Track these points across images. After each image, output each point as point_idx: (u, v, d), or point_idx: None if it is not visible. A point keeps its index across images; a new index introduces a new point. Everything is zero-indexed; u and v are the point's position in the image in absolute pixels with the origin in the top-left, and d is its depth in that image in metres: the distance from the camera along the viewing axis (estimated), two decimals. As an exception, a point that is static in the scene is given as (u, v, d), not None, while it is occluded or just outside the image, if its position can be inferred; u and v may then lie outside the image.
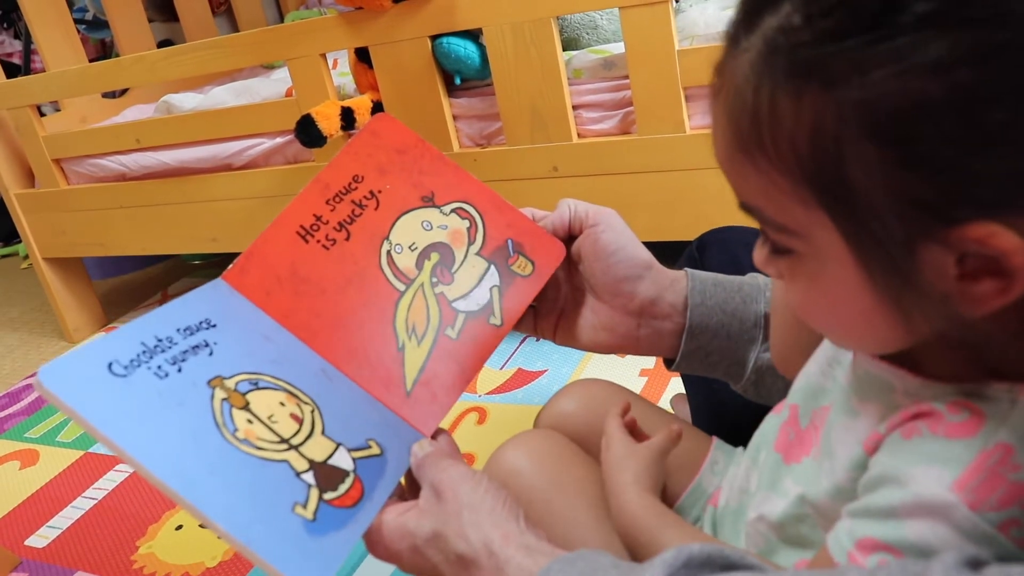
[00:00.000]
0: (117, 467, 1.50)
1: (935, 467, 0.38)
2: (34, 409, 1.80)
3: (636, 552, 0.58)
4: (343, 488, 0.53)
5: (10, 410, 1.82)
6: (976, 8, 0.32)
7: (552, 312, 0.70)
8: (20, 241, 2.89)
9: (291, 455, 0.53)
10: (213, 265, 2.40)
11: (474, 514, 0.52)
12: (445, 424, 0.62)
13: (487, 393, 1.47)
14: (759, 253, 0.44)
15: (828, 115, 0.35)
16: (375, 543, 0.55)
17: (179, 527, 1.30)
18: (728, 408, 0.76)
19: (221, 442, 0.51)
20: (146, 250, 1.94)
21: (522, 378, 1.50)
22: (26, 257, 2.86)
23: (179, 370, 0.53)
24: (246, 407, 0.54)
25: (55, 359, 0.49)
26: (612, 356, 1.48)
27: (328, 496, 0.52)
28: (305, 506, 0.51)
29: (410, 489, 0.59)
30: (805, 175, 0.36)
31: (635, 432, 0.68)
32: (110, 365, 0.51)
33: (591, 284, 0.67)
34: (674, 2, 1.23)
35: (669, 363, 0.69)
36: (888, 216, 0.35)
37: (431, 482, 0.55)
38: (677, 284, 0.66)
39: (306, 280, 0.64)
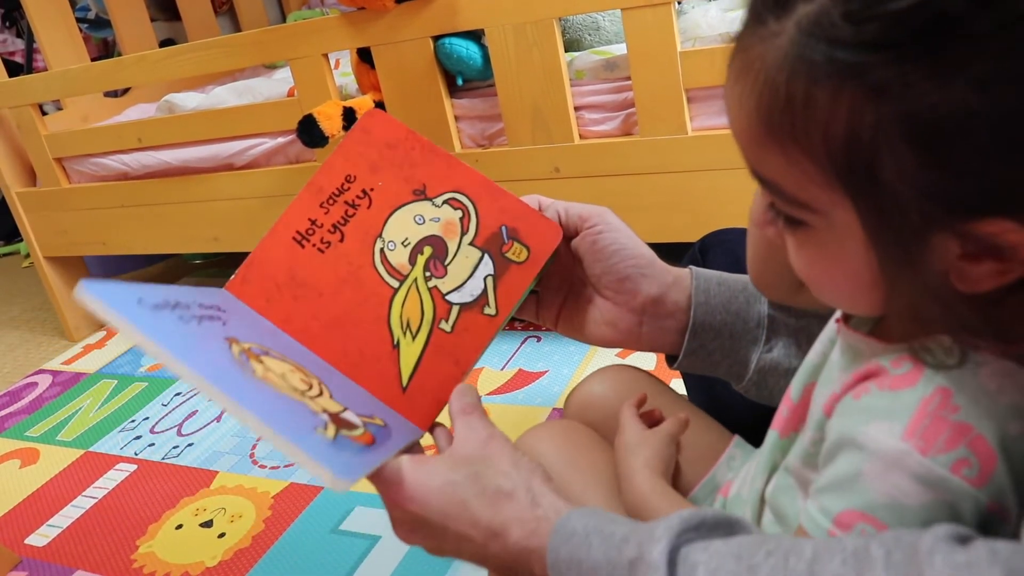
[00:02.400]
0: (117, 466, 1.50)
1: (885, 421, 0.41)
2: (35, 408, 1.80)
3: None
4: (356, 433, 0.55)
5: (11, 408, 1.82)
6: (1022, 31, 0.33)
7: (555, 300, 0.69)
8: (21, 240, 2.89)
9: (306, 400, 0.55)
10: (214, 264, 2.40)
11: (517, 461, 0.55)
12: (443, 423, 0.62)
13: (488, 394, 1.47)
14: (761, 213, 0.45)
15: (866, 117, 0.36)
16: (396, 484, 0.53)
17: (179, 526, 1.30)
18: (730, 412, 0.76)
19: (244, 376, 0.53)
20: (147, 249, 1.95)
21: (523, 379, 1.50)
22: (27, 256, 2.86)
23: (199, 323, 0.56)
24: (260, 362, 0.56)
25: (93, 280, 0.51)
26: (615, 358, 1.48)
27: (344, 432, 0.54)
28: (326, 429, 0.53)
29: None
30: (834, 165, 0.38)
31: (656, 423, 0.69)
32: (140, 300, 0.53)
33: (593, 283, 0.67)
34: (676, 4, 1.23)
35: (671, 360, 0.69)
36: (910, 208, 0.37)
37: (479, 432, 0.56)
38: (681, 282, 0.66)
39: (303, 284, 0.65)
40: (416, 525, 0.54)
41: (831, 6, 0.36)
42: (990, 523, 0.39)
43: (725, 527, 0.45)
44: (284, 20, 2.55)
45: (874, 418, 0.41)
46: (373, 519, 1.21)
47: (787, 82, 0.37)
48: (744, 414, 0.72)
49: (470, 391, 0.60)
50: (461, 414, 0.58)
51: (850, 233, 0.39)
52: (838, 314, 0.51)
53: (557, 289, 0.69)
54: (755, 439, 0.70)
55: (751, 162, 0.42)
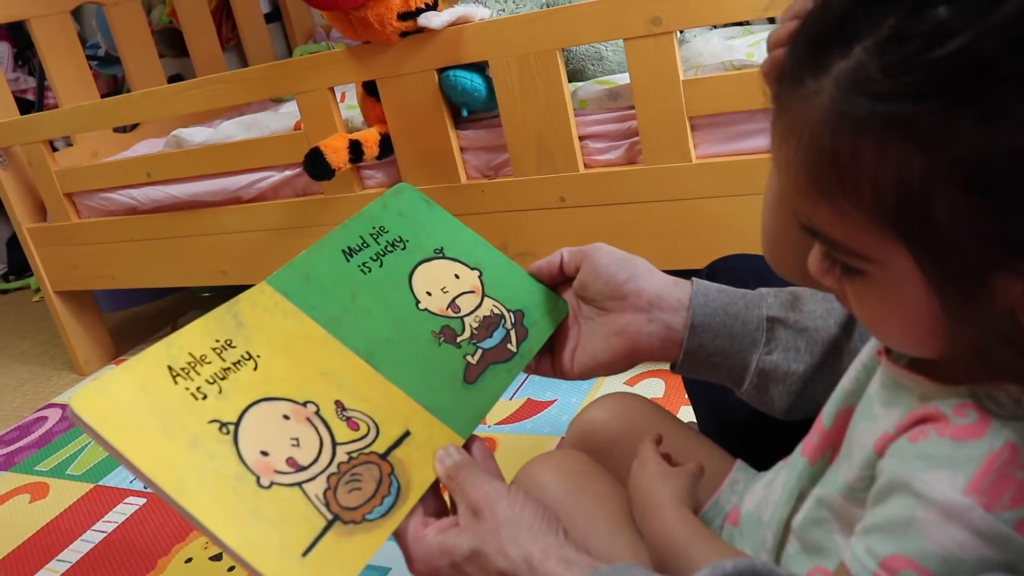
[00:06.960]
0: (127, 500, 1.50)
1: (946, 471, 0.40)
2: (44, 442, 1.80)
3: (669, 564, 0.59)
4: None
5: (21, 443, 1.82)
6: None
7: (567, 347, 0.72)
8: (32, 274, 2.91)
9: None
10: (222, 298, 2.39)
11: (513, 530, 0.53)
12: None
13: (496, 424, 1.46)
14: (817, 265, 0.45)
15: (915, 167, 0.36)
16: (415, 559, 0.56)
17: (189, 560, 1.29)
18: (734, 434, 0.77)
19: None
20: (156, 283, 1.96)
21: (531, 408, 1.49)
22: (38, 290, 2.88)
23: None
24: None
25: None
26: (623, 385, 1.48)
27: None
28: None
29: (433, 497, 0.60)
30: (886, 215, 0.38)
31: (667, 462, 0.69)
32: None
33: (600, 303, 0.69)
34: (678, 33, 1.24)
35: (675, 367, 0.70)
36: (968, 251, 0.37)
37: (469, 501, 0.56)
38: (682, 284, 0.69)
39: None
40: None
41: (868, 61, 0.36)
42: None
43: None
44: (290, 54, 2.58)
45: (933, 466, 0.40)
46: (383, 551, 1.20)
47: (831, 138, 0.38)
48: (750, 440, 0.72)
49: (453, 451, 0.61)
50: (448, 480, 0.59)
51: (909, 280, 0.39)
52: (877, 344, 0.51)
53: (573, 338, 0.72)
54: (759, 459, 0.70)
55: (802, 217, 0.42)
